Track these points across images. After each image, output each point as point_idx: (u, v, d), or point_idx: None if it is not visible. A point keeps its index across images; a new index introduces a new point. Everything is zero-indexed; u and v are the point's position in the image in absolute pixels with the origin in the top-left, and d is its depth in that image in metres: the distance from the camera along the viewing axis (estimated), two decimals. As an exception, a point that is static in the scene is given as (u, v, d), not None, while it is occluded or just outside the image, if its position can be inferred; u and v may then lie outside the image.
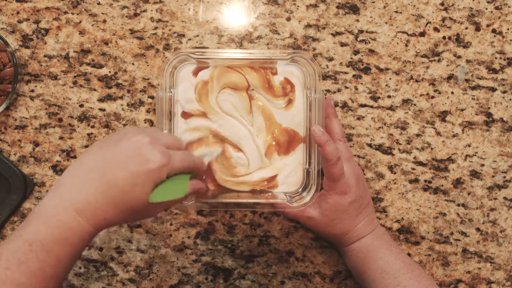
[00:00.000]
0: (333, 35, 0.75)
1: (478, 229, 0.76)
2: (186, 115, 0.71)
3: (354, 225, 0.69)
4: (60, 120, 0.75)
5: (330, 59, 0.75)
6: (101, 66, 0.75)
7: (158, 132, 0.57)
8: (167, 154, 0.53)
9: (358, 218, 0.69)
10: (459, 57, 0.75)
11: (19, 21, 0.75)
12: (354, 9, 0.75)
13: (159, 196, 0.52)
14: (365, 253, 0.68)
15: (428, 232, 0.76)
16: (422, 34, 0.75)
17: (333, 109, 0.71)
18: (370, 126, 0.75)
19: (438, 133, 0.75)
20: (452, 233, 0.76)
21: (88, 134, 0.75)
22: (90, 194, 0.50)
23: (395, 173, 0.75)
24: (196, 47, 0.75)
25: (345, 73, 0.75)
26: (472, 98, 0.75)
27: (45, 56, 0.75)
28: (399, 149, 0.75)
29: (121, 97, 0.75)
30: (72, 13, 0.75)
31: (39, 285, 0.49)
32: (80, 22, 0.75)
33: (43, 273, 0.49)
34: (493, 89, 0.75)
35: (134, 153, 0.51)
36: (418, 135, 0.75)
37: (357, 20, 0.75)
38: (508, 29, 0.75)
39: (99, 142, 0.54)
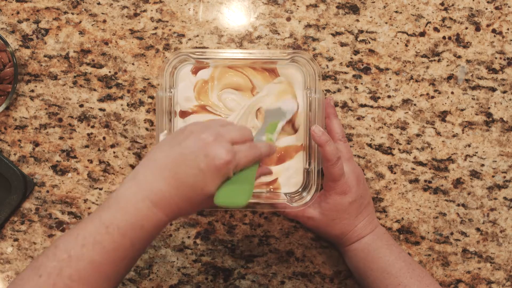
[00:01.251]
0: (333, 35, 0.75)
1: (478, 229, 0.76)
2: (184, 114, 0.71)
3: (354, 225, 0.69)
4: (60, 120, 0.75)
5: (330, 59, 0.75)
6: (101, 66, 0.75)
7: (223, 127, 0.58)
8: (231, 151, 0.54)
9: (358, 218, 0.69)
10: (459, 57, 0.75)
11: (19, 21, 0.75)
12: (354, 9, 0.75)
13: (224, 199, 0.53)
14: (365, 253, 0.68)
15: (428, 232, 0.76)
16: (422, 34, 0.75)
17: (333, 109, 0.71)
18: (370, 126, 0.75)
19: (438, 133, 0.75)
20: (452, 233, 0.76)
21: (88, 134, 0.75)
22: (165, 189, 0.53)
23: (395, 173, 0.75)
24: (196, 47, 0.75)
25: (345, 73, 0.75)
26: (472, 98, 0.75)
27: (45, 56, 0.75)
28: (399, 149, 0.75)
29: (121, 97, 0.75)
30: (72, 13, 0.75)
31: (111, 265, 0.52)
32: (80, 22, 0.75)
33: (117, 253, 0.52)
34: (493, 89, 0.75)
35: (201, 152, 0.54)
36: (418, 135, 0.75)
37: (357, 20, 0.75)
38: (508, 29, 0.75)
39: (168, 139, 0.57)
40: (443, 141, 0.76)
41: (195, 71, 0.71)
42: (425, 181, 0.76)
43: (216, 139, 0.54)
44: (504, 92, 0.75)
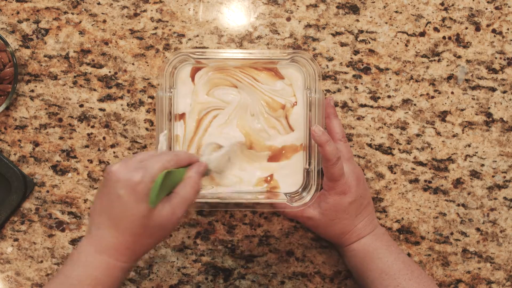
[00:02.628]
0: (333, 35, 0.75)
1: (478, 229, 0.76)
2: (181, 116, 0.72)
3: (354, 225, 0.69)
4: (60, 120, 0.75)
5: (330, 59, 0.75)
6: (101, 66, 0.75)
7: (130, 159, 0.59)
8: (138, 167, 0.56)
9: (358, 218, 0.69)
10: (459, 57, 0.75)
11: (19, 21, 0.75)
12: (354, 9, 0.75)
13: (157, 197, 0.55)
14: (364, 253, 0.68)
15: (428, 232, 0.76)
16: (422, 34, 0.75)
17: (333, 109, 0.71)
18: (370, 126, 0.75)
19: (438, 133, 0.75)
20: (452, 233, 0.76)
21: (88, 134, 0.75)
22: (107, 234, 0.56)
23: (395, 173, 0.75)
24: (196, 47, 0.75)
25: (345, 73, 0.75)
26: (472, 98, 0.75)
27: (45, 56, 0.75)
28: (399, 149, 0.75)
29: (121, 97, 0.75)
30: (72, 13, 0.75)
31: None
32: (80, 22, 0.75)
33: None
34: (493, 89, 0.75)
35: (114, 181, 0.56)
36: (418, 135, 0.75)
37: (357, 20, 0.75)
38: (508, 29, 0.75)
39: (96, 193, 0.59)
40: (443, 141, 0.76)
41: (192, 75, 0.72)
42: (425, 181, 0.75)
43: (122, 165, 0.56)
44: (504, 92, 0.75)
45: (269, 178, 0.72)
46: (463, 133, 0.76)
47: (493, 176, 0.76)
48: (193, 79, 0.72)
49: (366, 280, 0.68)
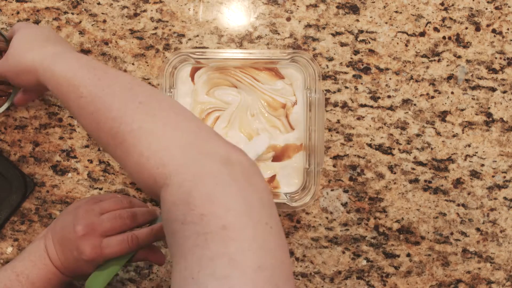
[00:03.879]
0: (333, 35, 0.75)
1: (478, 229, 0.76)
2: None
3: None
4: (60, 120, 0.75)
5: (330, 59, 0.75)
6: (101, 66, 0.75)
7: (101, 217, 0.60)
8: (98, 247, 0.59)
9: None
10: (459, 57, 0.75)
11: (19, 21, 0.75)
12: (354, 9, 0.75)
13: (88, 282, 0.60)
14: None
15: (428, 232, 0.76)
16: (422, 34, 0.75)
17: None
18: (370, 126, 0.75)
19: (438, 133, 0.75)
20: (452, 233, 0.76)
21: (88, 134, 0.75)
22: (57, 256, 0.61)
23: (395, 173, 0.75)
24: (196, 47, 0.75)
25: (345, 73, 0.75)
26: (472, 98, 0.75)
27: (45, 56, 0.75)
28: (399, 149, 0.75)
29: (121, 97, 0.75)
30: (72, 13, 0.75)
31: None
32: (80, 22, 0.75)
33: None
34: (493, 89, 0.75)
35: (74, 244, 0.59)
36: (418, 135, 0.75)
37: (357, 20, 0.75)
38: (508, 29, 0.75)
39: (63, 213, 0.63)
40: (443, 141, 0.76)
41: (191, 75, 0.72)
42: (425, 181, 0.76)
43: (86, 234, 0.59)
44: (504, 92, 0.75)
45: (271, 179, 0.73)
46: (463, 133, 0.76)
47: (493, 176, 0.76)
48: (192, 79, 0.72)
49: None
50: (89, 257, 0.59)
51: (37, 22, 0.75)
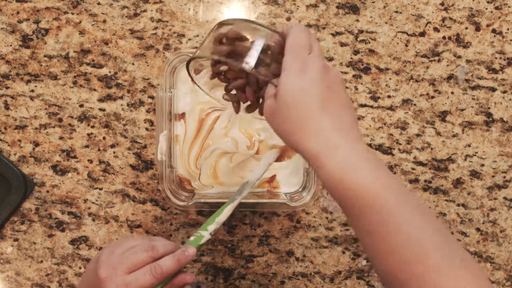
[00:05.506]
0: (333, 35, 0.75)
1: (478, 229, 0.76)
2: (181, 115, 0.72)
3: (316, 119, 0.49)
4: (60, 120, 0.75)
5: (330, 59, 0.75)
6: (101, 66, 0.75)
7: (121, 256, 0.58)
8: (122, 285, 0.56)
9: (324, 111, 0.49)
10: (459, 57, 0.75)
11: (19, 21, 0.75)
12: (354, 9, 0.75)
13: None
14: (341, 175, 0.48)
15: (428, 232, 0.76)
16: (422, 34, 0.75)
17: None
18: (370, 126, 0.75)
19: (438, 133, 0.75)
20: (452, 233, 0.76)
21: (88, 134, 0.75)
22: None
23: (395, 173, 0.75)
24: (196, 47, 0.75)
25: (345, 73, 0.75)
26: (472, 98, 0.75)
27: (45, 56, 0.75)
28: (399, 149, 0.75)
29: (121, 97, 0.75)
30: (72, 13, 0.75)
31: None
32: (80, 22, 0.75)
33: None
34: (493, 89, 0.75)
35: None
36: (418, 135, 0.75)
37: (357, 20, 0.75)
38: (508, 29, 0.75)
39: (89, 264, 0.61)
40: (443, 141, 0.76)
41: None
42: (425, 181, 0.76)
43: (108, 276, 0.56)
44: (504, 92, 0.75)
45: (270, 179, 0.72)
46: (463, 133, 0.76)
47: (493, 176, 0.76)
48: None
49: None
50: None
51: (37, 22, 0.75)
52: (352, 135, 0.49)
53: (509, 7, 0.75)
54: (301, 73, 0.49)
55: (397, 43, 0.75)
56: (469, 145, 0.76)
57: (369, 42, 0.75)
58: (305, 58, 0.50)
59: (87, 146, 0.75)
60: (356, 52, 0.75)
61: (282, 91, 0.49)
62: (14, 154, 0.75)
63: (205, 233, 0.59)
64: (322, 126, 0.48)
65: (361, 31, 0.75)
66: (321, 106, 0.48)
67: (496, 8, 0.75)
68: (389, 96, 0.75)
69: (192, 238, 0.59)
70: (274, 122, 0.51)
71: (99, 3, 0.75)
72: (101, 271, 0.57)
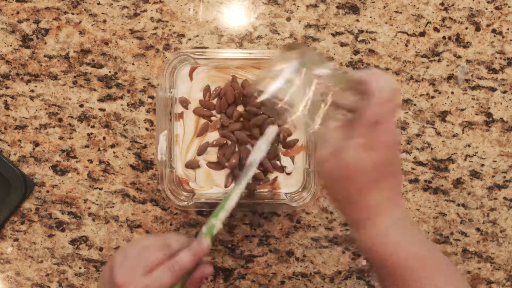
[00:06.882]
0: (333, 35, 0.75)
1: (478, 229, 0.76)
2: (180, 115, 0.72)
3: (369, 188, 0.52)
4: (60, 120, 0.75)
5: (330, 59, 0.75)
6: (101, 66, 0.75)
7: (138, 257, 0.56)
8: (141, 287, 0.54)
9: (378, 184, 0.51)
10: (459, 57, 0.75)
11: (19, 21, 0.75)
12: (354, 9, 0.75)
13: None
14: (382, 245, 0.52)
15: (428, 232, 0.76)
16: (422, 34, 0.75)
17: None
18: (370, 126, 0.75)
19: (438, 133, 0.75)
20: (452, 233, 0.76)
21: (88, 134, 0.75)
22: None
23: (395, 173, 0.75)
24: (196, 47, 0.75)
25: (345, 73, 0.75)
26: (472, 98, 0.75)
27: (45, 56, 0.75)
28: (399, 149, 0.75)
29: (121, 97, 0.75)
30: (72, 13, 0.75)
31: None
32: (80, 22, 0.75)
33: None
34: (493, 89, 0.75)
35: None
36: (418, 135, 0.75)
37: (357, 20, 0.75)
38: (508, 29, 0.75)
39: (103, 270, 0.58)
40: (443, 141, 0.76)
41: (190, 74, 0.72)
42: (425, 181, 0.76)
43: (126, 282, 0.54)
44: (504, 92, 0.75)
45: (273, 180, 0.73)
46: (463, 133, 0.76)
47: (493, 176, 0.76)
48: (191, 78, 0.72)
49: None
50: None
51: (37, 22, 0.75)
52: (395, 202, 0.52)
53: (509, 7, 0.75)
54: (373, 143, 0.51)
55: (397, 43, 0.75)
56: (469, 145, 0.76)
57: (369, 42, 0.75)
58: (385, 127, 0.52)
59: (87, 146, 0.75)
60: (356, 52, 0.75)
61: (347, 157, 0.51)
62: (14, 154, 0.75)
63: (216, 222, 0.58)
64: (373, 199, 0.51)
65: (361, 31, 0.75)
66: (378, 178, 0.51)
67: (496, 8, 0.75)
68: (389, 96, 0.75)
69: (204, 229, 0.58)
70: (325, 172, 0.53)
71: (99, 3, 0.75)
72: (118, 278, 0.55)
